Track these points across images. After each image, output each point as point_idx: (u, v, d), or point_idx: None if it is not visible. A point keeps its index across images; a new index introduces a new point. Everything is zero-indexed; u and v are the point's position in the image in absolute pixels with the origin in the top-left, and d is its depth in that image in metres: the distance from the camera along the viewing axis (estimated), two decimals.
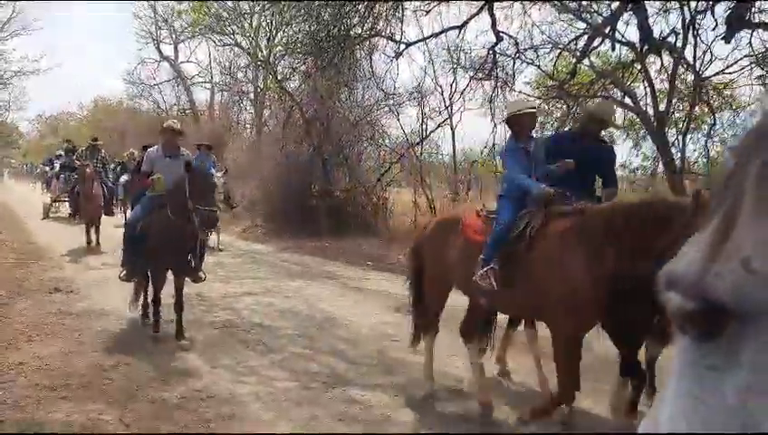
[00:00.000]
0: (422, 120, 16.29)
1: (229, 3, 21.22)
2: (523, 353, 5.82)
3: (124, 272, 7.06)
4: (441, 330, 7.24)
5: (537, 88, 14.78)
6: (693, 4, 10.58)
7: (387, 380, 5.51)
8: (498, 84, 13.32)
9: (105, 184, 13.66)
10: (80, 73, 68.72)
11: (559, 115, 14.10)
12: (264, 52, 22.37)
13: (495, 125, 13.69)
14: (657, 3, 11.02)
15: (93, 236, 12.71)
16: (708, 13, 10.50)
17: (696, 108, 11.66)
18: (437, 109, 16.07)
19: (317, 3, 13.05)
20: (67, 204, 15.72)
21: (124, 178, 15.58)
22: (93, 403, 4.74)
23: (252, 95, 24.06)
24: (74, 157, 14.70)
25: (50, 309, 7.67)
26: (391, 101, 15.99)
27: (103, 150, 14.12)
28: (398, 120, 16.68)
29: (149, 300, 6.90)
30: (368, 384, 5.38)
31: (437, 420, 4.71)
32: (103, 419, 4.49)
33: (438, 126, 16.18)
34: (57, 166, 18.97)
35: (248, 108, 24.68)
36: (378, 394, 5.13)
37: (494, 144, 14.00)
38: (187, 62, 28.87)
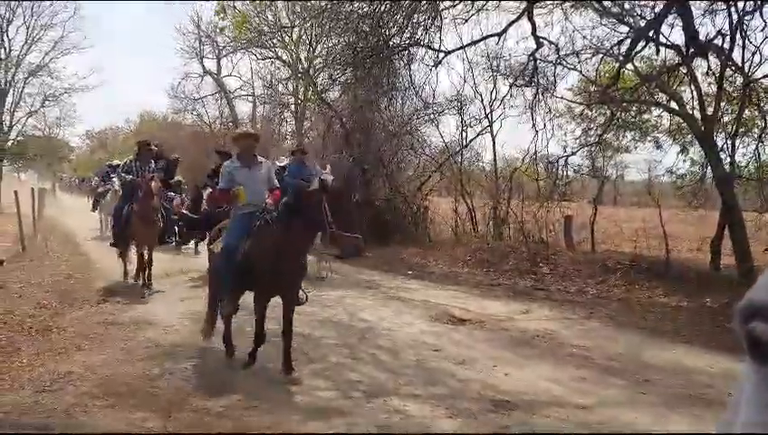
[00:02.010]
0: (462, 129, 16.25)
1: (270, 17, 21.54)
2: None
3: (224, 305, 6.16)
4: (484, 342, 7.20)
5: (579, 94, 14.60)
6: (740, 5, 10.33)
7: (427, 390, 5.46)
8: (539, 91, 13.19)
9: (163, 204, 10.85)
10: (125, 89, 70.50)
11: (602, 121, 13.89)
12: (305, 64, 22.63)
13: (537, 132, 13.55)
14: (703, 4, 10.79)
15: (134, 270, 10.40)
16: (757, 13, 10.23)
17: (746, 111, 11.34)
18: (477, 117, 16.01)
19: (357, 14, 13.14)
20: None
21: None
22: (138, 411, 4.82)
23: (293, 107, 24.31)
24: (120, 169, 10.93)
25: (98, 319, 7.85)
26: (431, 110, 16.00)
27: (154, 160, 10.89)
28: (438, 128, 16.68)
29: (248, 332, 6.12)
30: (408, 394, 5.34)
31: (478, 431, 4.64)
32: (147, 426, 4.55)
33: (478, 134, 16.11)
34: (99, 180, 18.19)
35: (289, 119, 24.95)
36: (418, 404, 5.09)
37: (535, 151, 13.86)
38: (230, 76, 29.28)
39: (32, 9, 29.29)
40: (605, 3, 11.95)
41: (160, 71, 68.39)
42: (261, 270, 5.65)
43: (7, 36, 29.62)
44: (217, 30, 25.43)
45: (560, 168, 13.73)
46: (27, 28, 29.62)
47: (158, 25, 70.42)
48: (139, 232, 9.98)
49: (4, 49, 29.73)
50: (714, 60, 10.88)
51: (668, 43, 11.24)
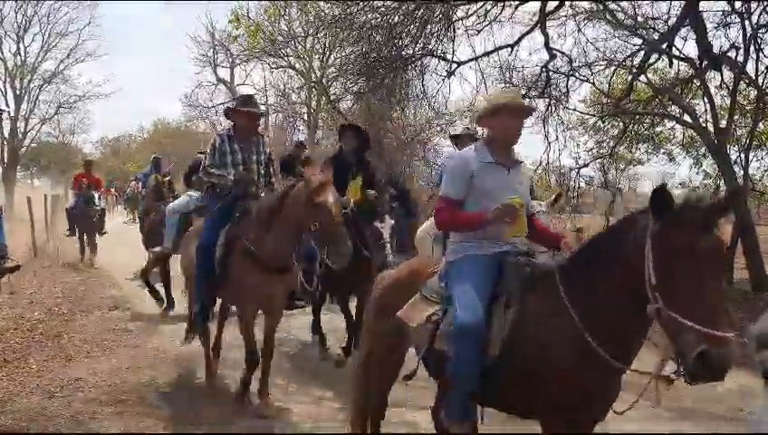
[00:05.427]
0: (474, 139, 16.27)
1: (284, 26, 21.67)
2: None
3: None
4: None
5: (592, 106, 14.57)
6: (754, 18, 10.28)
7: None
8: (552, 102, 13.16)
9: None
10: (138, 96, 71.19)
11: (615, 133, 13.85)
12: (318, 73, 22.74)
13: (549, 143, 13.51)
14: (717, 17, 10.75)
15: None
16: None
17: (760, 124, 11.27)
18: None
19: (370, 24, 13.20)
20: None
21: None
22: (146, 419, 4.83)
23: (305, 116, 24.44)
24: (208, 159, 5.47)
25: (108, 326, 7.89)
26: (443, 120, 16.03)
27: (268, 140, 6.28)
28: (450, 138, 16.72)
29: None
30: (420, 406, 5.30)
31: None
32: (156, 433, 4.56)
33: None
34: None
35: (302, 128, 25.07)
36: (428, 416, 5.04)
37: (547, 163, 13.82)
38: (243, 84, 29.53)
39: (48, 17, 29.66)
40: (618, 15, 11.93)
41: (171, 72, 68.68)
42: (550, 386, 2.93)
43: (23, 44, 30.00)
44: (231, 38, 25.67)
45: (572, 179, 13.69)
46: (43, 36, 29.99)
47: (171, 26, 70.96)
48: (257, 290, 5.13)
49: (20, 56, 30.10)
50: (727, 73, 10.82)
51: (682, 55, 11.19)
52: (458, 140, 7.62)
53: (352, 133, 6.93)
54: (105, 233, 13.88)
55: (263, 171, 5.60)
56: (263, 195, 5.44)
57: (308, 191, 4.77)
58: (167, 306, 8.69)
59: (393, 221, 6.88)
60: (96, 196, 13.78)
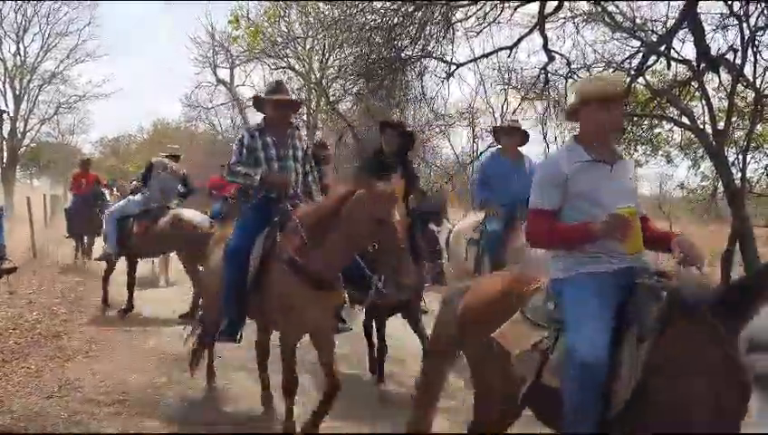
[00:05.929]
0: (473, 140, 16.33)
1: (284, 27, 21.70)
2: None
3: None
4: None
5: None
6: (752, 21, 10.30)
7: (440, 404, 5.43)
8: (550, 104, 13.19)
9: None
10: (138, 96, 71.05)
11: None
12: (317, 74, 22.76)
13: (548, 145, 13.56)
14: (715, 19, 10.77)
15: None
16: None
17: (758, 126, 11.28)
18: (488, 129, 16.10)
19: (369, 26, 13.23)
20: None
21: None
22: (145, 419, 4.85)
23: (305, 117, 24.44)
24: (235, 154, 4.81)
25: (107, 326, 7.92)
26: (442, 122, 16.05)
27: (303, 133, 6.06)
28: (449, 140, 16.76)
29: None
30: None
31: None
32: (155, 433, 4.58)
33: (490, 146, 16.11)
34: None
35: (301, 129, 25.10)
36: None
37: None
38: (243, 85, 29.50)
39: (47, 17, 29.68)
40: (617, 17, 11.96)
41: (171, 72, 68.69)
42: None
43: (23, 44, 30.01)
44: (231, 39, 25.69)
45: None
46: (43, 36, 30.01)
47: (171, 26, 70.94)
48: (304, 311, 4.43)
49: (20, 56, 30.10)
50: (725, 75, 10.84)
51: (680, 57, 11.21)
52: (501, 133, 7.11)
53: (394, 132, 6.08)
54: None
55: (300, 169, 4.92)
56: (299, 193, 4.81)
57: (370, 203, 3.95)
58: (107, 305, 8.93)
59: (451, 225, 6.20)
60: (105, 192, 13.86)
